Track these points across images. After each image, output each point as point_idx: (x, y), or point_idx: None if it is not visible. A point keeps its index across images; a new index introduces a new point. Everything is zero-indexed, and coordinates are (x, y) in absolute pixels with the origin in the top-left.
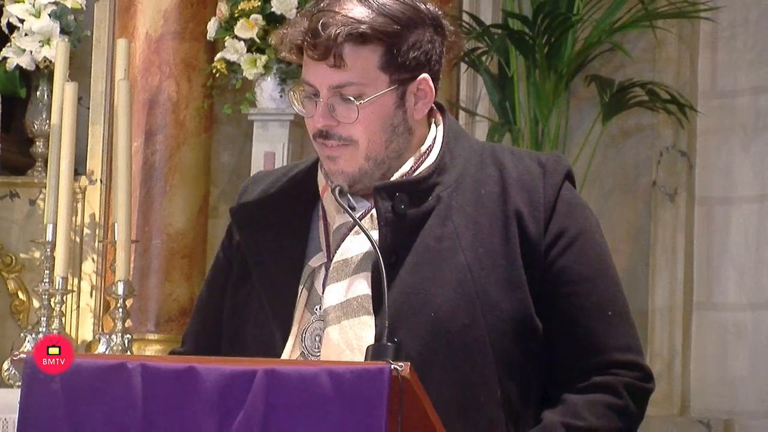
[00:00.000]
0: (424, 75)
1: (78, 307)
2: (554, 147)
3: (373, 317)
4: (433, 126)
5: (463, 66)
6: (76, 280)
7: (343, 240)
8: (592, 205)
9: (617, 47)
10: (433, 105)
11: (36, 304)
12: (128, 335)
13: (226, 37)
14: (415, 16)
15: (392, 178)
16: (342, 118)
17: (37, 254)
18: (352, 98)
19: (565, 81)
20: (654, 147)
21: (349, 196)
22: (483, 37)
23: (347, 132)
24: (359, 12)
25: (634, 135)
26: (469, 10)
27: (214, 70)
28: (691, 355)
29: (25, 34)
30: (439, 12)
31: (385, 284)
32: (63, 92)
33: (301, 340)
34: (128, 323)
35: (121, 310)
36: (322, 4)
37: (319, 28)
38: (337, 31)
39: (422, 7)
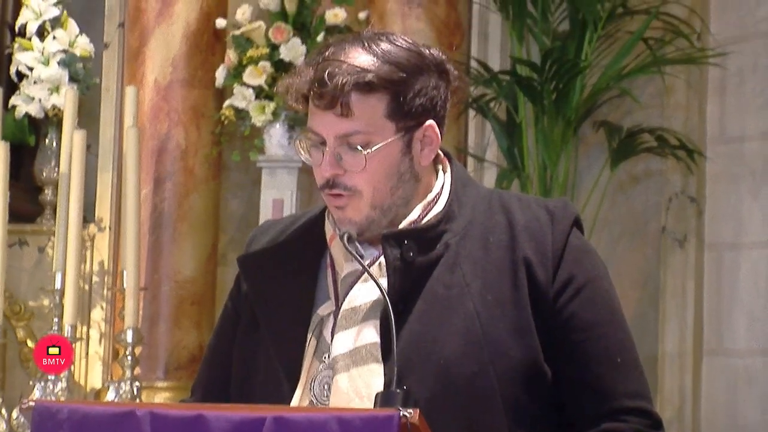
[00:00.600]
0: (430, 121)
1: (87, 354)
2: (563, 193)
3: (382, 365)
4: (440, 173)
5: (472, 112)
6: (84, 328)
7: (351, 288)
8: (600, 250)
9: (625, 93)
10: (439, 151)
11: None
12: (137, 383)
13: (235, 84)
14: (419, 63)
15: (400, 226)
16: (349, 167)
17: (46, 302)
18: (359, 147)
19: (573, 127)
20: (663, 193)
21: (357, 243)
22: (491, 83)
23: (352, 182)
24: (365, 60)
25: (643, 181)
26: (477, 57)
27: (222, 117)
28: (702, 402)
29: (34, 82)
30: (443, 56)
31: (394, 332)
32: (72, 140)
33: (310, 388)
34: (137, 371)
35: (130, 357)
36: (326, 53)
37: (326, 77)
38: (344, 81)
39: (426, 52)
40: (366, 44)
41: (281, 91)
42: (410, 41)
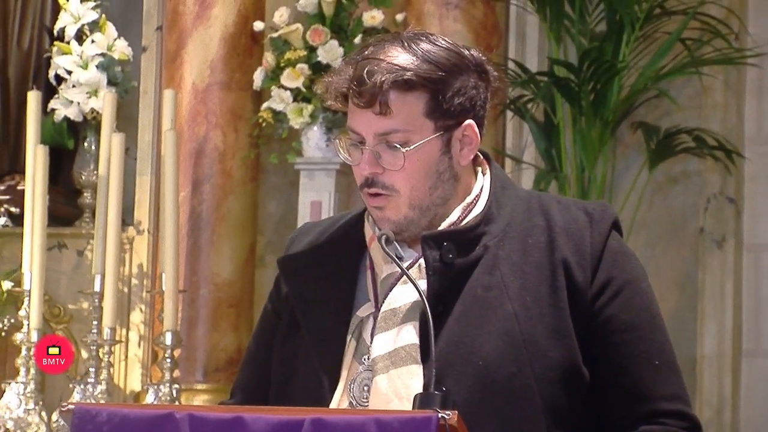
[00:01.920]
0: (469, 121)
1: (126, 357)
2: (600, 194)
3: (421, 366)
4: (480, 174)
5: (509, 114)
6: (124, 331)
7: (390, 289)
8: (639, 252)
9: (663, 94)
10: (479, 153)
11: (84, 354)
12: (176, 385)
13: (273, 87)
14: (459, 62)
15: (440, 227)
16: (388, 165)
17: (85, 305)
18: (398, 145)
19: (611, 128)
20: (701, 194)
21: (396, 244)
22: (529, 84)
23: (390, 180)
24: (404, 59)
25: (681, 182)
26: (515, 58)
27: (260, 120)
28: (741, 403)
29: (73, 86)
30: (483, 57)
31: (432, 333)
32: (110, 143)
33: (350, 390)
34: (176, 373)
35: (169, 360)
36: (366, 52)
37: (365, 75)
38: (383, 79)
39: (466, 52)
40: (406, 44)
41: (321, 89)
42: (450, 42)
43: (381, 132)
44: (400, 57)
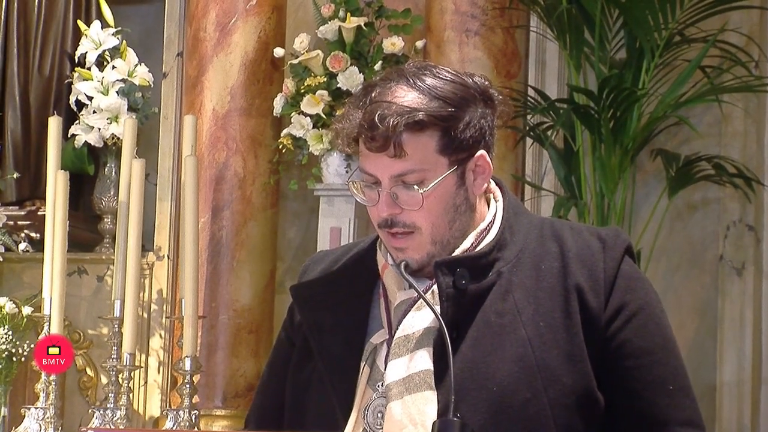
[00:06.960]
0: (481, 151)
1: (145, 383)
2: (620, 221)
3: (435, 392)
4: (492, 202)
5: (529, 141)
6: (143, 356)
7: (404, 316)
8: (658, 279)
9: (683, 121)
10: (491, 180)
11: (104, 380)
12: (195, 411)
13: (293, 113)
14: (466, 94)
15: (453, 254)
16: (406, 206)
17: (104, 330)
18: (415, 186)
19: (630, 155)
20: (721, 221)
21: (407, 274)
22: (548, 111)
23: (410, 219)
24: (412, 99)
25: (701, 209)
26: (535, 85)
27: (280, 146)
28: (761, 431)
29: (94, 112)
30: (486, 82)
31: (451, 358)
32: (131, 169)
33: (364, 416)
34: (195, 399)
35: (188, 386)
36: (373, 94)
37: (376, 120)
38: (395, 122)
39: (470, 81)
40: (411, 81)
41: (333, 136)
42: (453, 72)
43: (396, 174)
44: (408, 97)
